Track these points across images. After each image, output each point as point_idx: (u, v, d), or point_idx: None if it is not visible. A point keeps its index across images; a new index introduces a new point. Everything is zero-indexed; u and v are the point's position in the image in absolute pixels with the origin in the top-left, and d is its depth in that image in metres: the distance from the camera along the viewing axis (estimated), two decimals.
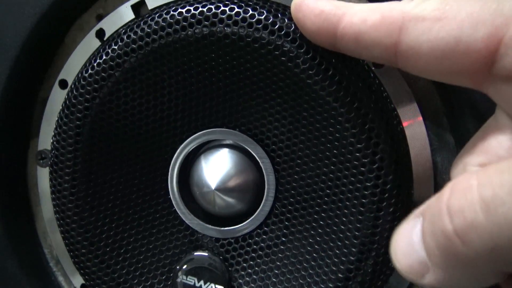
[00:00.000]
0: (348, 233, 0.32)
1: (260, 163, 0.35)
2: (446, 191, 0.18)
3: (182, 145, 0.36)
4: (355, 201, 0.31)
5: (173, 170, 0.36)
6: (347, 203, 0.32)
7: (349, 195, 0.32)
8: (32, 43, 0.34)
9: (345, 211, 0.32)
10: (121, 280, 0.36)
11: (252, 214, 0.36)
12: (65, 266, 0.40)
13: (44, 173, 0.38)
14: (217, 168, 0.35)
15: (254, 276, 0.35)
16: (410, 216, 0.20)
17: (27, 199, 0.39)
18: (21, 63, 0.35)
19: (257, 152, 0.35)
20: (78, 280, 0.40)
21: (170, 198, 0.36)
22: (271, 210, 0.35)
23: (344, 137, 0.30)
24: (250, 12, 0.30)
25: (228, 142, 0.36)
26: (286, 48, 0.30)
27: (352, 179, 0.31)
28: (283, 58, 0.30)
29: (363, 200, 0.31)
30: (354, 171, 0.31)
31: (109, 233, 0.36)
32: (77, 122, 0.34)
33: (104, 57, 0.33)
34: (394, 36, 0.22)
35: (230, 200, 0.35)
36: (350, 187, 0.31)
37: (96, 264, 0.36)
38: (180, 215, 0.36)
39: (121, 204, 0.36)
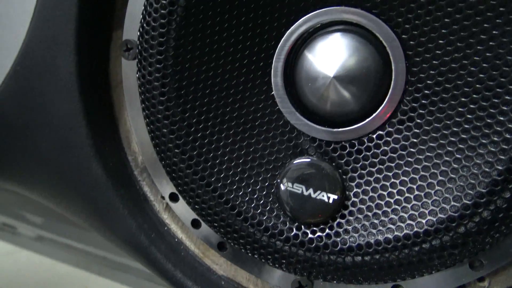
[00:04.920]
0: (494, 145, 0.26)
1: (388, 48, 0.28)
2: None
3: (290, 30, 0.30)
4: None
5: (278, 60, 0.31)
6: (503, 107, 0.25)
7: (507, 97, 0.25)
8: None
9: (500, 117, 0.26)
10: (218, 185, 0.31)
11: (368, 116, 0.30)
12: (152, 173, 0.36)
13: (130, 68, 0.34)
14: (334, 54, 0.29)
15: (375, 185, 0.30)
16: None
17: (109, 100, 0.35)
18: None
19: (383, 34, 0.28)
20: (165, 189, 0.36)
21: (273, 94, 0.31)
22: (397, 107, 0.29)
23: None
24: None
25: (340, 27, 0.30)
26: None
27: None
28: None
29: None
30: None
31: (204, 134, 0.31)
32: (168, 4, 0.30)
33: None
34: None
35: (347, 94, 0.29)
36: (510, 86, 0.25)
37: (189, 174, 0.32)
38: (285, 114, 0.31)
39: (217, 100, 0.31)
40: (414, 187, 0.28)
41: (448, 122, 0.27)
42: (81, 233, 0.72)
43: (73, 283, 1.15)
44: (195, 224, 0.36)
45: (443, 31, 0.27)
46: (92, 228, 0.37)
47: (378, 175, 0.30)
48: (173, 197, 0.36)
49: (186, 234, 0.37)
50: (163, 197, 0.36)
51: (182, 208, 0.36)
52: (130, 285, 0.79)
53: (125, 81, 0.35)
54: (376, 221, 0.29)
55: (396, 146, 0.29)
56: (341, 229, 0.30)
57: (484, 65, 0.26)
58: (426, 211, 0.28)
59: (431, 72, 0.28)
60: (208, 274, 0.35)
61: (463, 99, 0.27)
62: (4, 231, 0.86)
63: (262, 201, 0.32)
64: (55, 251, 0.84)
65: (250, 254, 0.33)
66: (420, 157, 0.28)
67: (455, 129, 0.27)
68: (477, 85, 0.26)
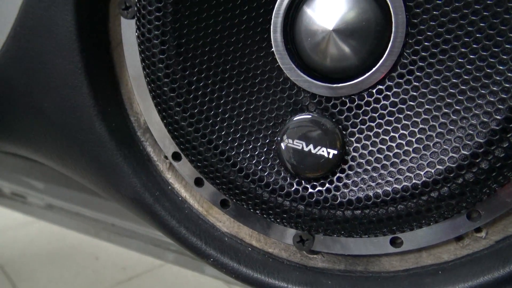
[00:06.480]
0: (493, 95, 0.26)
1: None
2: None
3: None
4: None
5: (277, 16, 0.30)
6: (503, 56, 0.25)
7: (507, 46, 0.25)
8: None
9: (499, 67, 0.25)
10: (220, 142, 0.32)
11: (368, 71, 0.30)
12: (154, 133, 0.36)
13: (129, 27, 0.34)
14: (333, 8, 0.29)
15: (375, 139, 0.30)
16: None
17: (110, 60, 0.36)
18: None
19: None
20: (168, 149, 0.36)
21: (273, 51, 0.31)
22: (397, 60, 0.29)
23: None
24: None
25: None
26: None
27: None
28: None
29: None
30: None
31: (204, 91, 0.31)
32: None
33: None
34: None
35: (346, 48, 0.29)
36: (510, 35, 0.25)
37: (191, 132, 0.32)
38: (285, 71, 0.31)
39: (217, 57, 0.31)
40: (413, 140, 0.29)
41: (448, 74, 0.27)
42: (90, 201, 0.73)
43: (84, 253, 1.18)
44: (198, 182, 0.36)
45: None
46: (98, 189, 0.38)
47: (378, 130, 0.30)
48: (176, 157, 0.36)
49: (190, 193, 0.37)
50: (166, 157, 0.37)
51: (185, 167, 0.36)
52: (138, 251, 0.81)
53: (125, 41, 0.35)
54: (375, 175, 0.29)
55: (396, 100, 0.29)
56: (341, 183, 0.30)
57: (485, 13, 0.25)
58: (425, 163, 0.28)
59: (431, 23, 0.27)
60: (212, 231, 0.36)
61: (463, 49, 0.26)
62: (14, 201, 0.88)
63: (263, 158, 0.32)
64: (65, 219, 0.86)
65: (252, 210, 0.33)
66: (419, 110, 0.28)
67: (454, 80, 0.27)
68: (478, 35, 0.26)
